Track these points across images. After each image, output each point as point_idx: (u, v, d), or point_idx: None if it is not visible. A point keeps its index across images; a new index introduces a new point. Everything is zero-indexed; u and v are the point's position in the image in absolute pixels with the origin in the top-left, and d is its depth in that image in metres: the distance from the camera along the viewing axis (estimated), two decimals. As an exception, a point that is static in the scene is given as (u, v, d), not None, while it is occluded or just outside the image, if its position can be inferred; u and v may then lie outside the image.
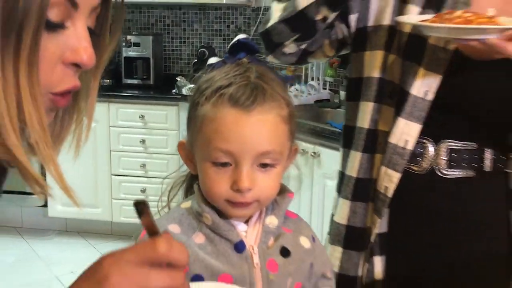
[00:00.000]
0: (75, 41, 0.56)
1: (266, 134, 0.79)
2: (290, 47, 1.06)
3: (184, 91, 3.20)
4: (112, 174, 3.28)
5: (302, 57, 1.09)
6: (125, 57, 3.47)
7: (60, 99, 0.59)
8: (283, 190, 0.87)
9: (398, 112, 0.99)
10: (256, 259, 0.82)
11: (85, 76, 0.64)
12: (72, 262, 3.08)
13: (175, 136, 3.16)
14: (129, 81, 3.49)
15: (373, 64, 1.02)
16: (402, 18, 0.95)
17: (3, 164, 0.58)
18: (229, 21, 3.61)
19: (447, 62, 0.95)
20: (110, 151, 3.26)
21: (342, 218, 1.08)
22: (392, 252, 1.05)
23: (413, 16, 0.95)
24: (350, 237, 1.08)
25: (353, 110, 1.07)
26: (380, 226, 1.03)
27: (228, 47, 0.86)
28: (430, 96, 0.97)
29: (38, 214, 3.46)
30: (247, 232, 0.84)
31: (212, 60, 0.88)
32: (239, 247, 0.82)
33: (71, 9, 0.55)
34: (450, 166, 1.01)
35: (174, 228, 0.82)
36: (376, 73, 1.02)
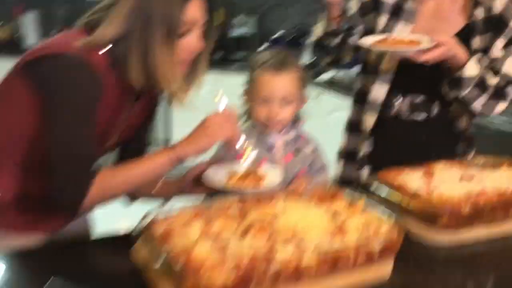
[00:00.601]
0: (193, 41, 1.31)
1: (287, 85, 1.50)
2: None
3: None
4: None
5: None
6: (233, 36, 4.26)
7: (185, 65, 1.33)
8: (298, 119, 1.58)
9: (375, 80, 1.66)
10: (279, 153, 1.54)
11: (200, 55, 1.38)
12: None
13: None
14: (239, 54, 4.27)
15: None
16: (361, 42, 1.57)
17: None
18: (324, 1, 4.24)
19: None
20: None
21: (342, 143, 1.78)
22: (375, 162, 1.71)
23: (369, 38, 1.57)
24: (348, 156, 1.77)
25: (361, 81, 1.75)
26: (366, 147, 1.70)
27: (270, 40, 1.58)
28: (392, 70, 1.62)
29: None
30: (276, 140, 1.56)
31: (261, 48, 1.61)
32: (271, 147, 1.54)
33: (191, 26, 1.29)
34: (408, 111, 1.65)
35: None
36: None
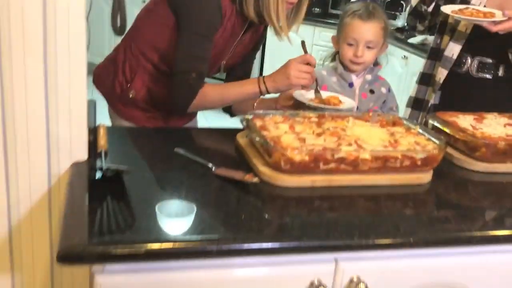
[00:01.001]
0: None
1: (372, 31, 1.79)
2: (420, 27, 2.01)
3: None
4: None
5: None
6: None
7: (291, 4, 1.65)
8: (377, 64, 1.87)
9: (450, 39, 1.90)
10: (357, 91, 1.84)
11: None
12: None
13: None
14: (334, 11, 4.53)
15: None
16: (443, 8, 1.82)
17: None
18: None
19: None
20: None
21: (413, 92, 2.04)
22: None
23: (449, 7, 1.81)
24: (417, 104, 2.03)
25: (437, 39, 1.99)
26: (434, 99, 1.96)
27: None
28: (468, 31, 1.85)
29: None
30: (356, 80, 1.86)
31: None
32: (351, 84, 1.85)
33: None
34: (477, 71, 1.88)
35: (323, 72, 1.87)
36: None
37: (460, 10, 1.77)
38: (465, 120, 1.57)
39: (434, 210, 1.28)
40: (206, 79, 1.68)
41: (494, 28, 1.69)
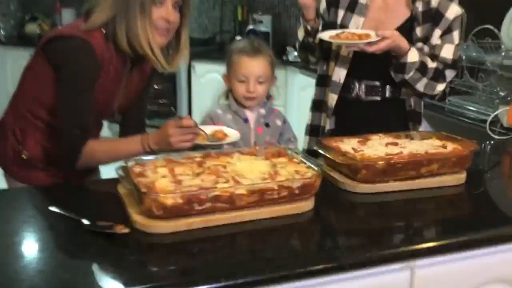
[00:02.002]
0: (166, 11, 1.61)
1: (261, 66, 1.82)
2: (312, 59, 2.05)
3: (290, 57, 4.24)
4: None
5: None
6: (250, 30, 4.60)
7: (163, 34, 1.64)
8: (269, 97, 1.90)
9: (335, 65, 1.96)
10: (252, 125, 1.86)
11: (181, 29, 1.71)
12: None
13: (283, 90, 4.21)
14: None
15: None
16: (321, 35, 1.87)
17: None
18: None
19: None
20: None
21: (308, 120, 2.09)
22: None
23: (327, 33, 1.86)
24: (313, 131, 2.07)
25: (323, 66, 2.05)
26: (329, 124, 2.00)
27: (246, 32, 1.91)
28: (350, 55, 1.91)
29: None
30: (250, 115, 1.88)
31: (238, 38, 1.94)
32: (245, 120, 1.87)
33: None
34: (366, 95, 1.94)
35: (218, 110, 1.88)
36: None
37: (336, 35, 1.83)
38: (348, 144, 1.60)
39: (318, 237, 1.29)
40: (105, 123, 1.67)
41: (370, 49, 1.76)
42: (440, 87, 1.89)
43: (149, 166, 1.40)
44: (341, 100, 1.97)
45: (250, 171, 1.38)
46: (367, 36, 1.78)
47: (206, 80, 4.51)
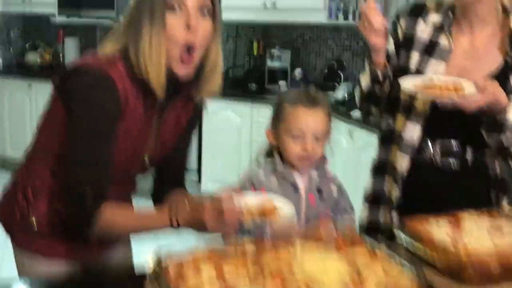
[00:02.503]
0: (187, 14, 1.22)
1: (320, 120, 1.48)
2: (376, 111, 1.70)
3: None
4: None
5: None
6: (268, 67, 4.29)
7: (186, 55, 1.24)
8: (324, 157, 1.55)
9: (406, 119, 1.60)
10: (303, 194, 1.50)
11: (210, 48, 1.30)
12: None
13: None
14: (270, 87, 4.29)
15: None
16: (403, 84, 1.48)
17: None
18: (358, 38, 4.23)
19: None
20: (251, 140, 4.09)
21: (369, 186, 1.72)
22: (404, 208, 1.64)
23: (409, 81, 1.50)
24: (375, 199, 1.70)
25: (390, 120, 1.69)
26: (396, 192, 1.63)
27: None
28: (427, 107, 1.55)
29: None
30: (300, 180, 1.52)
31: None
32: (295, 187, 1.51)
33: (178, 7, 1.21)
34: (441, 157, 1.58)
35: (260, 171, 1.53)
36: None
37: (424, 83, 1.46)
38: (439, 229, 1.24)
39: None
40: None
41: (471, 107, 1.39)
42: None
43: (188, 263, 1.03)
44: (412, 163, 1.61)
45: (324, 271, 1.02)
46: (459, 87, 1.41)
47: (219, 119, 4.17)
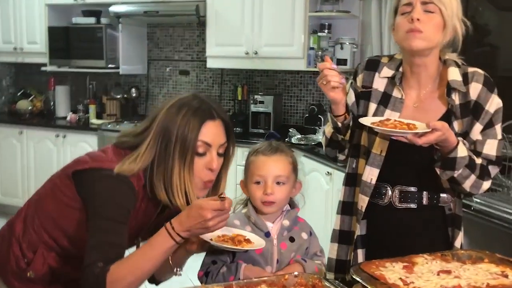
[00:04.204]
0: (210, 160, 1.48)
1: (280, 165, 1.63)
2: (341, 156, 1.87)
3: (293, 140, 4.08)
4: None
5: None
6: (252, 112, 4.47)
7: (207, 184, 1.51)
8: (293, 205, 1.69)
9: (366, 163, 1.76)
10: (275, 241, 1.64)
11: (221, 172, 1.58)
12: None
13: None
14: (254, 130, 4.46)
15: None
16: (362, 120, 1.67)
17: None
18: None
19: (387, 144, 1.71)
20: (236, 184, 4.21)
21: (336, 225, 1.87)
22: (369, 246, 1.79)
23: (368, 119, 1.69)
24: (342, 237, 1.85)
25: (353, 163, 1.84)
26: (359, 230, 1.78)
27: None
28: (383, 154, 1.72)
29: None
30: (272, 227, 1.66)
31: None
32: (267, 234, 1.64)
33: (208, 147, 1.47)
34: (400, 201, 1.74)
35: (236, 221, 1.67)
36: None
37: (381, 121, 1.61)
38: (393, 271, 1.38)
39: None
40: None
41: (420, 141, 1.54)
42: (486, 185, 1.67)
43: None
44: (373, 204, 1.76)
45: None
46: (414, 126, 1.57)
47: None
